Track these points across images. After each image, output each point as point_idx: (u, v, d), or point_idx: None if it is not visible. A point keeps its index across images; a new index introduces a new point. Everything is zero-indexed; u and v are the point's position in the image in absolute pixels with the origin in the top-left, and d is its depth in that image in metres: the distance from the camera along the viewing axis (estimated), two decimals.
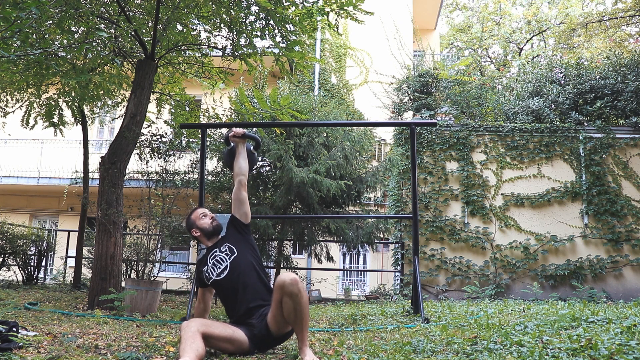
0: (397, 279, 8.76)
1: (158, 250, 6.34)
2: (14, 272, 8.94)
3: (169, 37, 6.28)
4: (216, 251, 3.09)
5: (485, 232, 8.47)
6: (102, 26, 6.25)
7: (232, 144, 3.43)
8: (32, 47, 4.23)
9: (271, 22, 5.84)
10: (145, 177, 6.48)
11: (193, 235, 3.20)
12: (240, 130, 3.36)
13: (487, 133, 8.82)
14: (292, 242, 9.85)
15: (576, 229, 8.40)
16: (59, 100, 7.97)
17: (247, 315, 2.93)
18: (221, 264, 3.03)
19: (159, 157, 6.56)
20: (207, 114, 8.31)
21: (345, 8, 5.68)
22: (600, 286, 8.14)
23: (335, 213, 8.61)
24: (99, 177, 5.66)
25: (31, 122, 8.40)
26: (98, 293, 5.16)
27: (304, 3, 5.74)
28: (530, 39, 20.92)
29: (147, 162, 6.50)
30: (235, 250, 3.07)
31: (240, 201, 3.19)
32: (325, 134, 8.72)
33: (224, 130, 8.62)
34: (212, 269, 3.04)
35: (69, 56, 6.08)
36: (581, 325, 3.33)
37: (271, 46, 6.25)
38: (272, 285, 3.01)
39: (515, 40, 20.77)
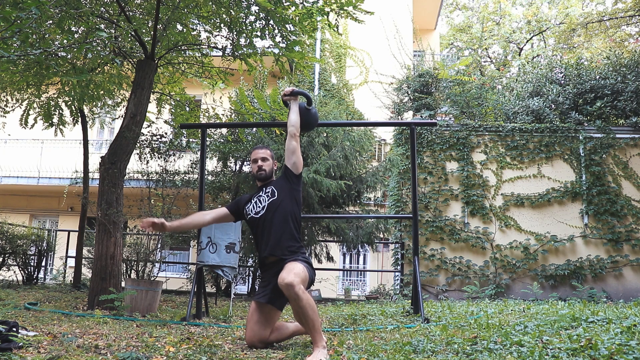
0: (397, 279, 8.76)
1: (158, 250, 6.34)
2: (14, 272, 8.93)
3: (169, 37, 6.28)
4: (261, 192, 3.34)
5: (485, 232, 8.47)
6: (102, 26, 6.24)
7: (288, 103, 3.65)
8: (32, 47, 4.23)
9: (271, 22, 5.84)
10: (145, 177, 6.48)
11: None
12: (288, 89, 3.56)
13: (487, 133, 8.82)
14: None
15: (576, 229, 8.40)
16: (59, 100, 7.97)
17: (263, 264, 3.24)
18: (261, 204, 3.28)
19: (159, 157, 6.57)
20: (207, 114, 8.31)
21: (345, 8, 5.68)
22: (600, 286, 8.14)
23: (335, 213, 8.62)
24: (99, 177, 5.66)
25: (30, 121, 8.39)
26: (98, 293, 5.16)
27: (304, 3, 5.74)
28: (530, 39, 20.92)
29: (147, 162, 6.50)
30: (276, 193, 3.27)
31: (290, 151, 3.34)
32: (325, 134, 8.72)
33: (224, 130, 8.64)
34: (253, 207, 3.31)
35: (69, 56, 6.08)
36: (581, 325, 3.33)
37: (271, 46, 6.25)
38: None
39: (515, 40, 20.76)
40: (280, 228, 3.16)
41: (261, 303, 3.12)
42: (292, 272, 2.89)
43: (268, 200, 3.25)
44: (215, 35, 6.78)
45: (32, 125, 8.44)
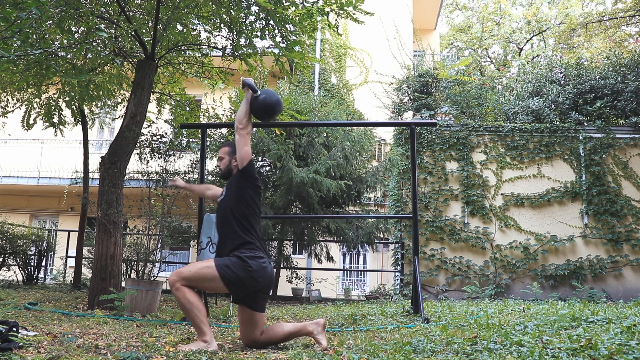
0: (397, 279, 8.77)
1: (158, 250, 6.34)
2: (14, 272, 8.93)
3: (169, 37, 6.28)
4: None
5: (485, 232, 8.47)
6: (102, 26, 6.24)
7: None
8: (32, 47, 4.22)
9: (271, 22, 5.84)
10: (145, 177, 6.47)
11: None
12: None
13: (487, 133, 8.82)
14: (292, 242, 9.86)
15: (576, 229, 8.40)
16: (59, 100, 7.97)
17: None
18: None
19: (159, 157, 6.56)
20: (207, 114, 8.31)
21: (345, 8, 5.68)
22: (600, 286, 8.15)
23: (335, 213, 8.62)
24: (99, 177, 5.66)
25: (31, 122, 8.39)
26: (98, 293, 5.16)
27: (304, 3, 5.74)
28: (530, 39, 20.92)
29: (147, 162, 6.50)
30: (224, 193, 3.23)
31: (236, 146, 3.17)
32: (325, 134, 8.73)
33: (224, 130, 8.64)
34: None
35: (69, 56, 6.08)
36: (581, 325, 3.33)
37: (271, 46, 6.25)
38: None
39: (515, 40, 20.76)
40: (223, 227, 3.09)
41: (240, 305, 3.10)
42: (177, 270, 2.93)
43: (219, 199, 3.24)
44: (215, 35, 6.78)
45: (33, 125, 8.44)
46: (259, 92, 3.24)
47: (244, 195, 3.09)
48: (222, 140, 8.54)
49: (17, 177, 13.06)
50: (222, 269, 2.90)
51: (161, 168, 6.61)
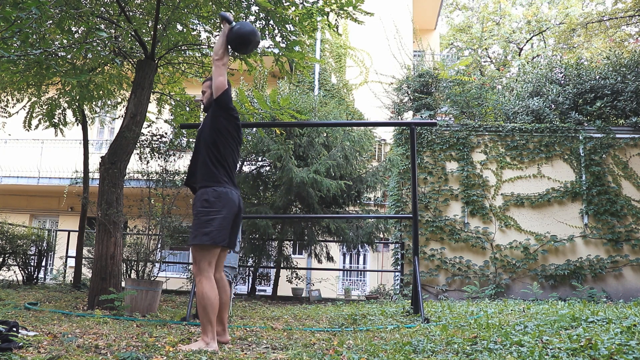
0: (397, 279, 8.77)
1: (158, 250, 6.34)
2: (14, 272, 8.93)
3: (169, 37, 6.28)
4: None
5: (485, 232, 8.47)
6: (102, 26, 6.24)
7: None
8: (32, 47, 4.23)
9: (271, 22, 5.84)
10: (145, 177, 6.47)
11: None
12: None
13: (487, 133, 8.83)
14: (292, 242, 9.86)
15: (576, 229, 8.40)
16: (60, 100, 7.97)
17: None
18: None
19: (159, 157, 6.56)
20: None
21: (345, 8, 5.68)
22: (600, 286, 8.15)
23: (335, 213, 8.62)
24: (99, 177, 5.66)
25: (34, 123, 8.39)
26: (98, 293, 5.16)
27: (304, 3, 5.74)
28: (530, 39, 20.92)
29: (147, 162, 6.50)
30: (202, 122, 3.26)
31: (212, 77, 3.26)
32: (325, 134, 8.73)
33: None
34: None
35: (69, 56, 6.08)
36: (581, 325, 3.33)
37: (271, 46, 6.26)
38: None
39: (515, 40, 20.77)
40: (195, 155, 3.19)
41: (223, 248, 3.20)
42: (193, 262, 3.01)
43: (198, 131, 3.30)
44: (215, 35, 6.78)
45: (37, 126, 8.45)
46: (234, 23, 3.27)
47: (217, 123, 3.18)
48: None
49: (17, 177, 13.06)
50: (203, 238, 2.97)
51: (161, 168, 6.61)
